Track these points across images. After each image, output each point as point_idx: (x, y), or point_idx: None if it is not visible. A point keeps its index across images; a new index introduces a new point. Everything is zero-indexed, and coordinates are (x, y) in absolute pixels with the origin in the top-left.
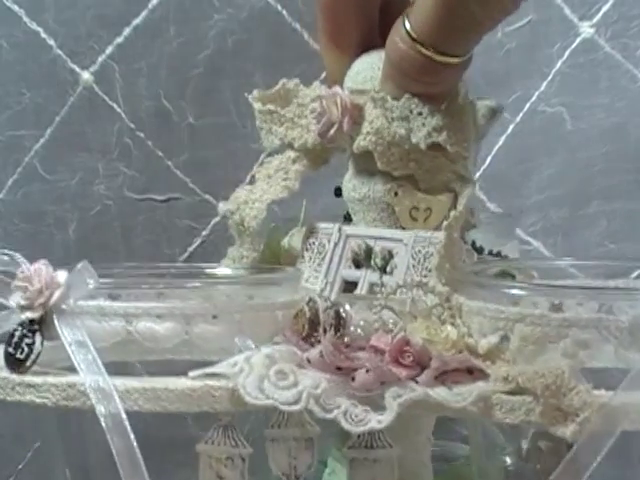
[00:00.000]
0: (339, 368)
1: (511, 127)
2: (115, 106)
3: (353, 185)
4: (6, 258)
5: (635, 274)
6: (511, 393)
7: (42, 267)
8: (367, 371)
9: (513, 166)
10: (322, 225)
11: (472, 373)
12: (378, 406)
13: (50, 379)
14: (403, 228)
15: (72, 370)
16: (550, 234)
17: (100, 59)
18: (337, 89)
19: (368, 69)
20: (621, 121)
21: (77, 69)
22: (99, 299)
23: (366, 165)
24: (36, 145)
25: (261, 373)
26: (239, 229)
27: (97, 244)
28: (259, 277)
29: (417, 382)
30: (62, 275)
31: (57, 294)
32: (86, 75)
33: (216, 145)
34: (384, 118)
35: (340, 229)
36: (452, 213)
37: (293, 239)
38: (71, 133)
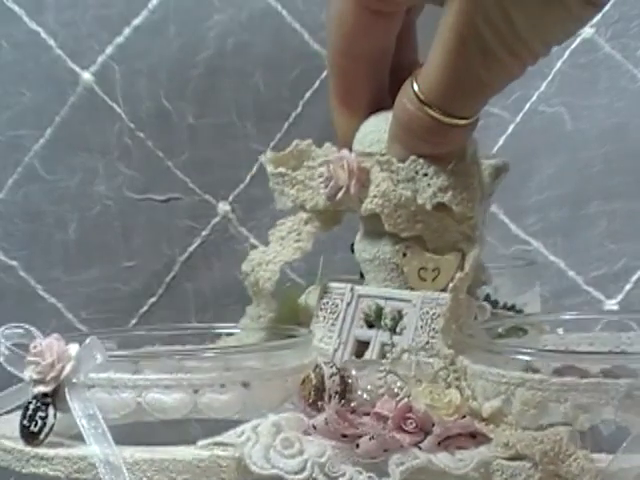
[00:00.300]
0: (344, 435)
1: (511, 127)
2: (115, 106)
3: (363, 246)
4: (21, 331)
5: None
6: (511, 459)
7: (54, 341)
8: (370, 438)
9: (513, 166)
10: (335, 285)
11: (475, 437)
12: (383, 472)
13: (62, 452)
14: (412, 288)
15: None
16: (550, 234)
17: (100, 59)
18: (344, 152)
19: (375, 132)
20: (621, 121)
21: (77, 69)
22: (109, 371)
23: (374, 226)
24: (36, 145)
25: (267, 442)
26: (254, 290)
27: (97, 244)
28: (271, 344)
29: (420, 448)
30: (73, 348)
31: (68, 368)
32: (86, 75)
33: (216, 145)
34: (390, 181)
35: (352, 289)
36: (457, 275)
37: (310, 297)
38: (71, 133)
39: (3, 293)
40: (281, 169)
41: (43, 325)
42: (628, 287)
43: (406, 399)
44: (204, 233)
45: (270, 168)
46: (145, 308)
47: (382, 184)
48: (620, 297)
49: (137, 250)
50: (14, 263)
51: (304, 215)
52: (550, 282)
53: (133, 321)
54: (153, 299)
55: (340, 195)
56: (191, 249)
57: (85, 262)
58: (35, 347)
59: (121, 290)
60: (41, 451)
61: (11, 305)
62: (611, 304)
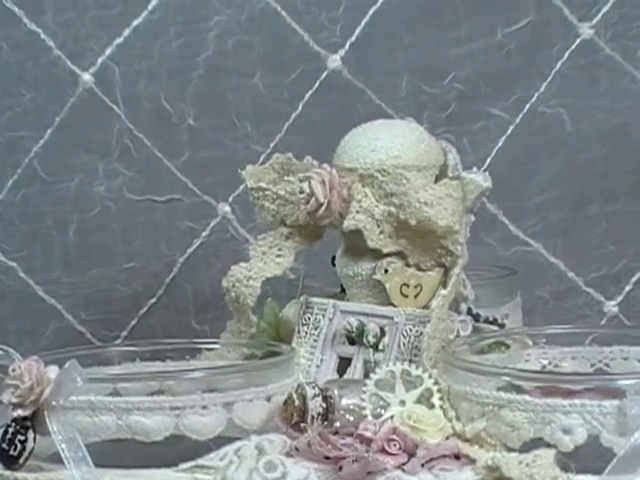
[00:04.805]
0: (327, 457)
1: (511, 128)
2: (115, 107)
3: (345, 262)
4: (0, 352)
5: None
6: None
7: (33, 363)
8: (354, 461)
9: (513, 167)
10: (317, 300)
11: (459, 459)
12: None
13: (41, 477)
14: (394, 305)
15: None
16: (550, 235)
17: (100, 60)
18: (325, 167)
19: (355, 147)
20: (621, 122)
21: (77, 70)
22: (90, 394)
23: (356, 242)
24: (36, 146)
25: (250, 465)
26: (235, 306)
27: (96, 245)
28: (253, 364)
29: (404, 470)
30: (53, 371)
31: (47, 391)
32: (86, 76)
33: (216, 146)
34: (372, 196)
35: (334, 305)
36: (440, 292)
37: (290, 311)
38: (71, 134)
39: (3, 294)
40: (261, 183)
41: (43, 326)
42: (628, 288)
43: (390, 421)
44: (204, 234)
45: (250, 182)
46: (145, 309)
47: (364, 200)
48: (620, 298)
49: (137, 251)
50: (14, 264)
51: (285, 230)
52: (550, 283)
53: (133, 322)
54: (153, 300)
55: (321, 211)
56: (191, 250)
57: (85, 263)
58: (14, 370)
59: (121, 291)
60: (20, 475)
61: (11, 306)
62: (611, 305)
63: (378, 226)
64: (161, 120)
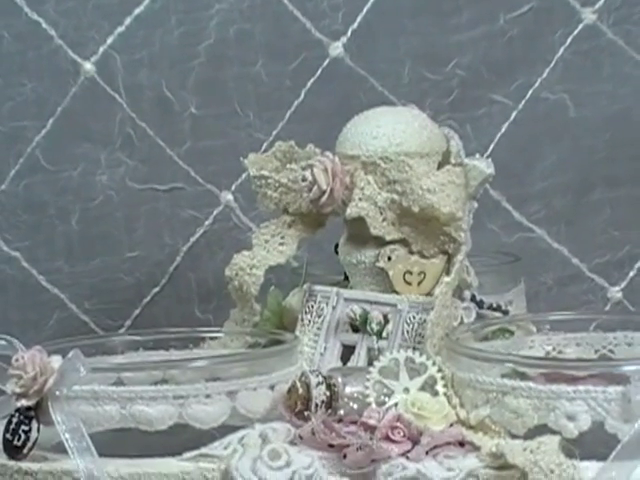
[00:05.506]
0: (331, 445)
1: (514, 114)
2: (117, 96)
3: (347, 250)
4: (4, 342)
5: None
6: (501, 468)
7: (36, 353)
8: (358, 449)
9: (516, 154)
10: (320, 288)
11: (464, 446)
12: None
13: (45, 466)
14: (398, 292)
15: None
16: (553, 222)
17: (101, 49)
18: (327, 155)
19: (357, 134)
20: (624, 108)
21: (78, 59)
22: (93, 384)
23: (359, 230)
24: (38, 136)
25: (254, 454)
26: (238, 295)
27: (99, 235)
28: (256, 352)
29: (409, 458)
30: (56, 361)
31: (51, 381)
32: (87, 65)
33: (218, 134)
34: (375, 183)
35: (338, 293)
36: (444, 279)
37: (294, 299)
38: (73, 124)
39: (6, 284)
40: (264, 172)
41: (47, 316)
42: (632, 274)
43: (393, 408)
44: (207, 223)
45: (252, 171)
46: (148, 298)
47: (367, 187)
48: (624, 284)
49: (140, 240)
50: (17, 254)
51: (287, 218)
52: (554, 269)
53: (136, 311)
54: (156, 289)
55: (324, 199)
56: (194, 239)
57: (88, 253)
58: (17, 360)
59: (124, 280)
60: (24, 465)
61: (14, 296)
62: (615, 291)
63: (381, 213)
64: (163, 109)
